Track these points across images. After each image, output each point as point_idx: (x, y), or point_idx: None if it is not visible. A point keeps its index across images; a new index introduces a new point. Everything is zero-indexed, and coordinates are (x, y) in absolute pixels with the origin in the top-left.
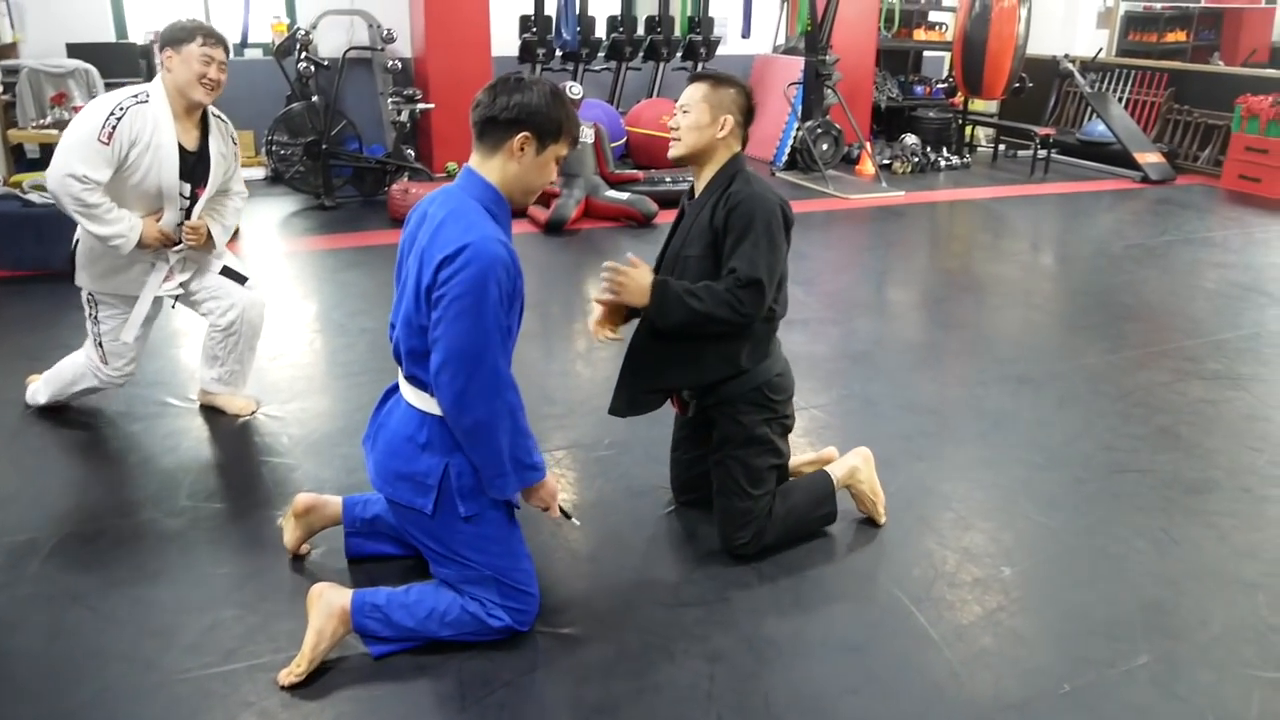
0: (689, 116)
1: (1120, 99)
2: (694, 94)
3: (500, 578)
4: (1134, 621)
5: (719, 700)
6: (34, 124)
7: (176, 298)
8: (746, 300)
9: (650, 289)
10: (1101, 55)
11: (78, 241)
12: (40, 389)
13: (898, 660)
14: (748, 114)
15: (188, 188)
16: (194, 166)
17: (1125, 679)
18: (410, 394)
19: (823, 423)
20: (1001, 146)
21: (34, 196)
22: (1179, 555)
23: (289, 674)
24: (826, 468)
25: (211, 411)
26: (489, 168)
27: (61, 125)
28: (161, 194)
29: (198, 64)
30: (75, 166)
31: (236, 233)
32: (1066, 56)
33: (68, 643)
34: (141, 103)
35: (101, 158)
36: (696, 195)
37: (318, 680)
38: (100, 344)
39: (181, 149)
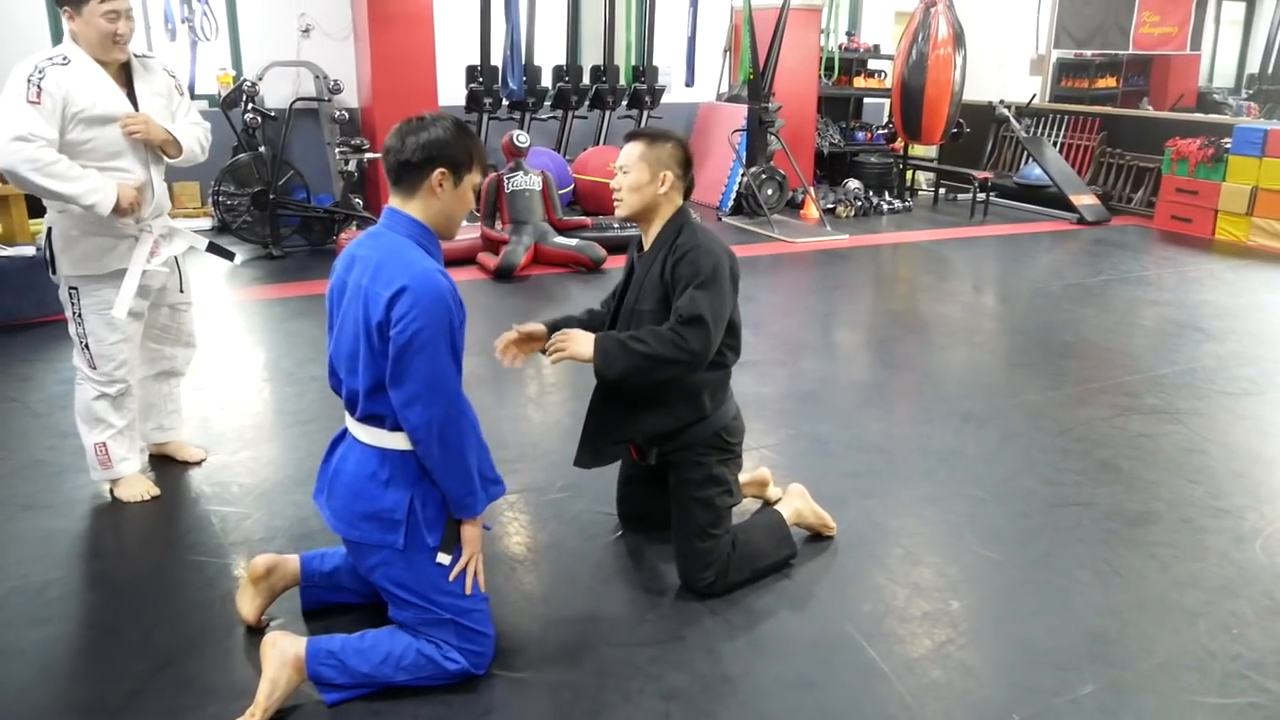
0: (629, 177)
1: (1055, 143)
2: (631, 154)
3: (458, 619)
4: (1079, 651)
5: None
6: None
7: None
8: (690, 337)
9: (593, 348)
10: (1035, 101)
11: (50, 229)
12: (86, 436)
13: (850, 695)
14: (686, 165)
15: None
16: (137, 112)
17: (1072, 708)
18: (365, 434)
19: (772, 462)
20: (942, 190)
21: None
22: (1121, 586)
23: None
24: (777, 508)
25: (160, 460)
26: (412, 207)
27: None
28: (124, 153)
29: (103, 21)
30: (16, 128)
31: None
32: (1002, 102)
33: (16, 698)
34: (60, 64)
35: (40, 116)
36: (645, 249)
37: None
38: (86, 346)
39: (124, 99)
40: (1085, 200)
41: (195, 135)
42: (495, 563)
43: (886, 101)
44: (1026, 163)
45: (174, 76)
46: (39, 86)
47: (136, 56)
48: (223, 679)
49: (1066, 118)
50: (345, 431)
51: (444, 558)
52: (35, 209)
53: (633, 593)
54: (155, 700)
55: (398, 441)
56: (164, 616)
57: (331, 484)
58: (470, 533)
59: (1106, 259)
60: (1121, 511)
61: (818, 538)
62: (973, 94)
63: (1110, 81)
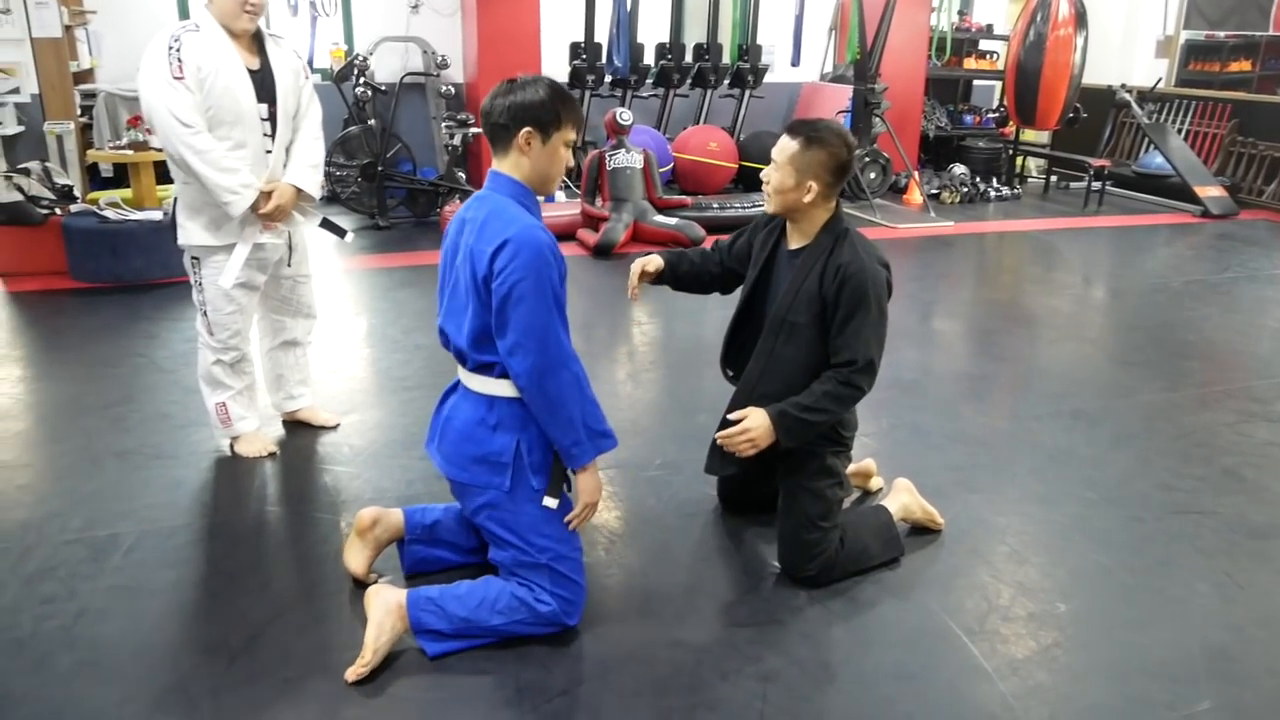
0: (775, 176)
1: (1180, 130)
2: (784, 151)
3: (553, 565)
4: (1196, 665)
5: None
6: (110, 145)
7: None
8: (865, 383)
9: (773, 424)
10: (1160, 85)
11: (175, 200)
12: (207, 396)
13: (951, 691)
14: (839, 173)
15: (264, 108)
16: (262, 84)
17: None
18: (475, 383)
19: (872, 451)
20: (1053, 178)
21: (110, 213)
22: (1244, 600)
23: (355, 670)
24: (884, 503)
25: (289, 423)
26: (507, 166)
27: (137, 146)
28: (241, 120)
29: None
30: (174, 108)
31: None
32: (1123, 86)
33: (149, 633)
34: (191, 31)
35: (189, 94)
36: (792, 247)
37: (379, 681)
38: (205, 313)
39: (247, 71)
40: (1210, 192)
41: (314, 143)
42: (594, 535)
43: (998, 84)
44: (1147, 150)
45: (300, 58)
46: (179, 59)
47: (269, 35)
48: (334, 628)
49: (1194, 103)
50: (457, 383)
51: (550, 501)
52: (163, 176)
53: (732, 573)
54: (272, 645)
55: (505, 389)
56: (281, 566)
57: (443, 430)
58: (586, 482)
59: (1233, 255)
60: (1246, 523)
61: (922, 531)
62: (1092, 77)
63: (1245, 65)
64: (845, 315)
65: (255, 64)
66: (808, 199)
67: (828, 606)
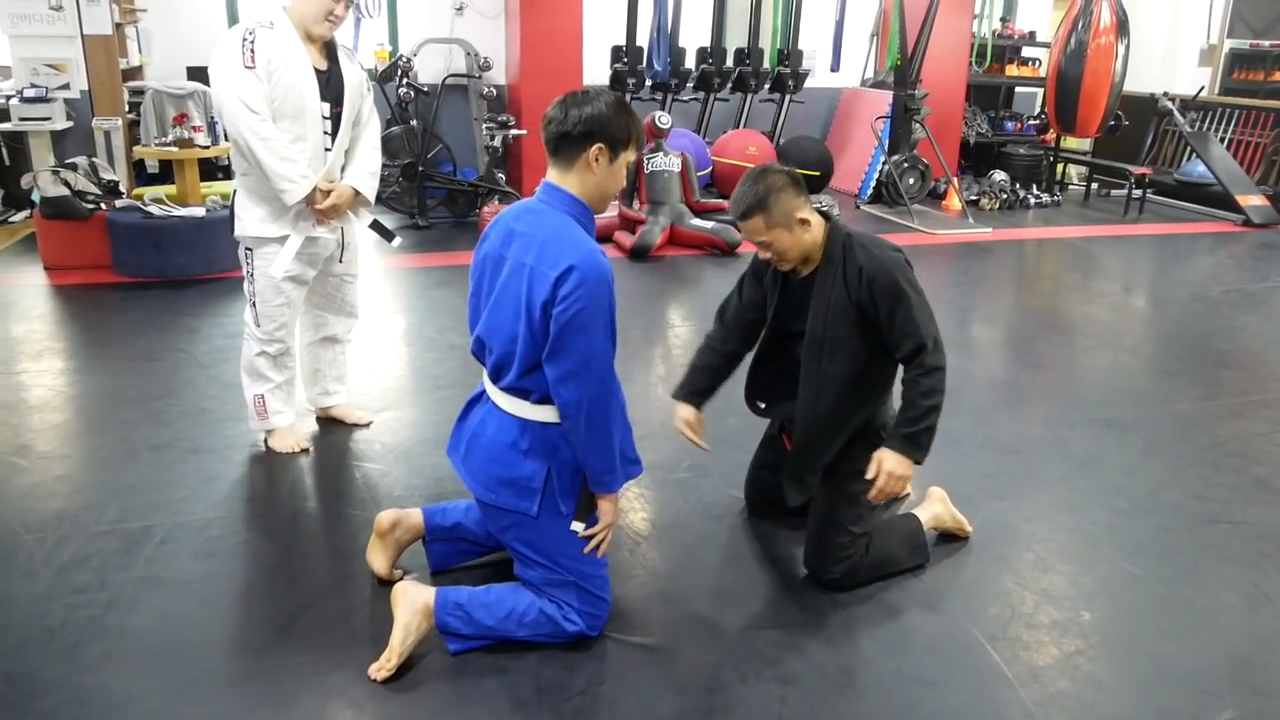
0: (774, 247)
1: (1222, 139)
2: (756, 229)
3: (581, 583)
4: (1221, 675)
5: None
6: (156, 141)
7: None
8: (940, 361)
9: (904, 455)
10: (1203, 94)
11: (235, 192)
12: (247, 387)
13: (971, 697)
14: (799, 187)
15: (327, 107)
16: (328, 84)
17: None
18: (508, 404)
19: None
20: (1094, 185)
21: (154, 209)
22: (1272, 611)
23: (379, 668)
24: (916, 511)
25: (322, 420)
26: (568, 180)
27: (183, 143)
28: (304, 114)
29: (327, 0)
30: (244, 95)
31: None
32: (1166, 95)
33: (178, 624)
34: (265, 28)
35: (258, 83)
36: (805, 274)
37: (403, 676)
38: (254, 304)
39: (314, 70)
40: (1253, 201)
41: (373, 152)
42: (620, 537)
43: (1040, 91)
44: (1189, 159)
45: (364, 69)
46: (252, 50)
47: (342, 45)
48: (362, 623)
49: (1237, 112)
50: (483, 394)
51: (578, 526)
52: (206, 173)
53: (756, 576)
54: (299, 638)
55: (540, 414)
56: (310, 561)
57: (470, 445)
58: (607, 506)
59: (1274, 264)
60: (1276, 533)
61: (949, 538)
62: (1134, 85)
63: None
64: (889, 311)
65: (323, 65)
66: (808, 233)
67: (850, 611)
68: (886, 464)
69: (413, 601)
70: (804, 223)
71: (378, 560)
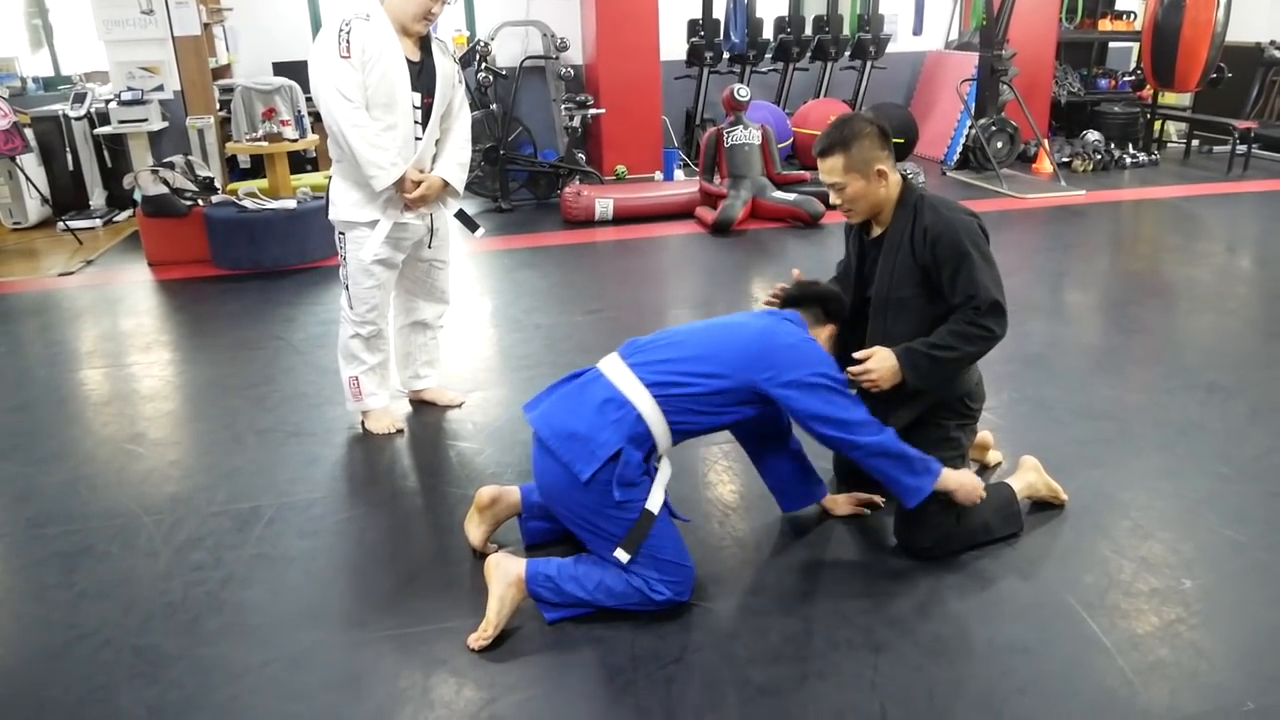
0: (846, 191)
1: None
2: (835, 168)
3: (656, 555)
4: None
5: (882, 690)
6: (247, 137)
7: (421, 243)
8: (994, 325)
9: (899, 363)
10: None
11: (330, 179)
12: (343, 369)
13: (1068, 665)
14: (886, 143)
15: (418, 98)
16: (420, 75)
17: None
18: (623, 379)
19: (994, 425)
20: (1195, 142)
21: (248, 203)
22: None
23: (478, 638)
24: (1009, 480)
25: (415, 402)
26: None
27: (272, 138)
28: (395, 104)
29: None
30: (340, 84)
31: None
32: (1273, 43)
33: (289, 598)
34: (362, 20)
35: (353, 72)
36: (875, 234)
37: (500, 645)
38: (347, 288)
39: (406, 60)
40: None
41: (463, 144)
42: (708, 509)
43: (1135, 45)
44: None
45: (457, 62)
46: (348, 40)
47: (436, 38)
48: (458, 596)
49: None
50: (585, 374)
51: (622, 554)
52: (297, 166)
53: (845, 546)
54: (401, 609)
55: (644, 404)
56: (410, 537)
57: (555, 403)
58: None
59: None
60: None
61: (1044, 506)
62: (1237, 34)
63: None
64: (952, 270)
65: (416, 57)
66: (884, 188)
67: (942, 579)
68: (875, 361)
69: (506, 574)
70: (881, 175)
71: (474, 533)
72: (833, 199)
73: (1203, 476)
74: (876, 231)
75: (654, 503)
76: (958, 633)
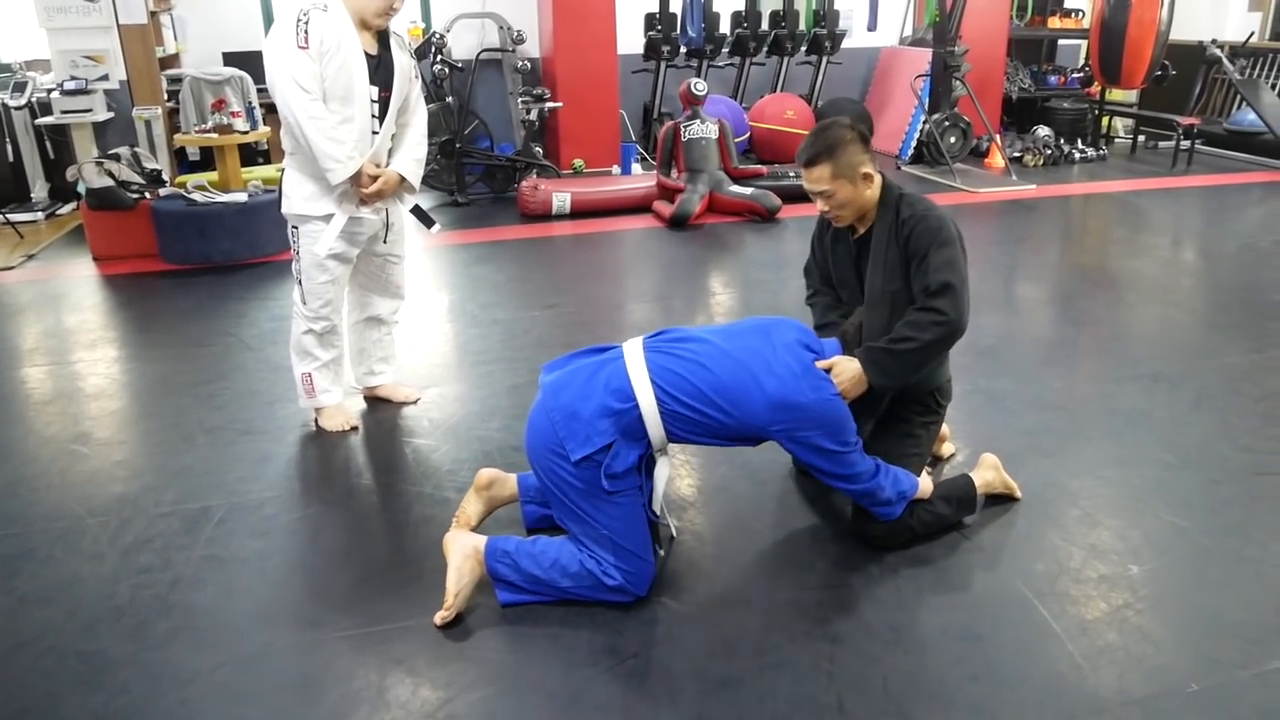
0: (835, 198)
1: (1274, 86)
2: (822, 177)
3: (616, 540)
4: (1270, 625)
5: (838, 680)
6: (196, 129)
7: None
8: (945, 307)
9: (861, 366)
10: (1254, 39)
11: (284, 171)
12: (295, 365)
13: (1019, 651)
14: (867, 144)
15: (375, 91)
16: (378, 69)
17: (1257, 682)
18: (638, 376)
19: (948, 418)
20: (1141, 138)
21: (197, 196)
22: None
23: (441, 615)
24: (971, 474)
25: (369, 399)
26: None
27: (222, 130)
28: (352, 97)
29: None
30: (296, 74)
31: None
32: (1214, 42)
33: (240, 600)
34: (320, 10)
35: (310, 63)
36: (860, 233)
37: (455, 643)
38: (300, 281)
39: (365, 54)
40: None
41: (419, 141)
42: (666, 503)
43: (1084, 43)
44: (1239, 108)
45: (414, 58)
46: (306, 31)
47: (394, 32)
48: (415, 595)
49: None
50: (608, 352)
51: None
52: (247, 158)
53: (802, 538)
54: (356, 610)
55: (647, 405)
56: (365, 535)
57: (575, 370)
58: None
59: None
60: None
61: (998, 498)
62: (1181, 33)
63: None
64: (921, 257)
65: (374, 51)
66: (870, 189)
67: (897, 570)
68: (837, 370)
69: (463, 547)
70: (867, 178)
71: (470, 508)
72: (820, 206)
73: (1149, 464)
74: (861, 230)
75: (656, 502)
76: (912, 622)
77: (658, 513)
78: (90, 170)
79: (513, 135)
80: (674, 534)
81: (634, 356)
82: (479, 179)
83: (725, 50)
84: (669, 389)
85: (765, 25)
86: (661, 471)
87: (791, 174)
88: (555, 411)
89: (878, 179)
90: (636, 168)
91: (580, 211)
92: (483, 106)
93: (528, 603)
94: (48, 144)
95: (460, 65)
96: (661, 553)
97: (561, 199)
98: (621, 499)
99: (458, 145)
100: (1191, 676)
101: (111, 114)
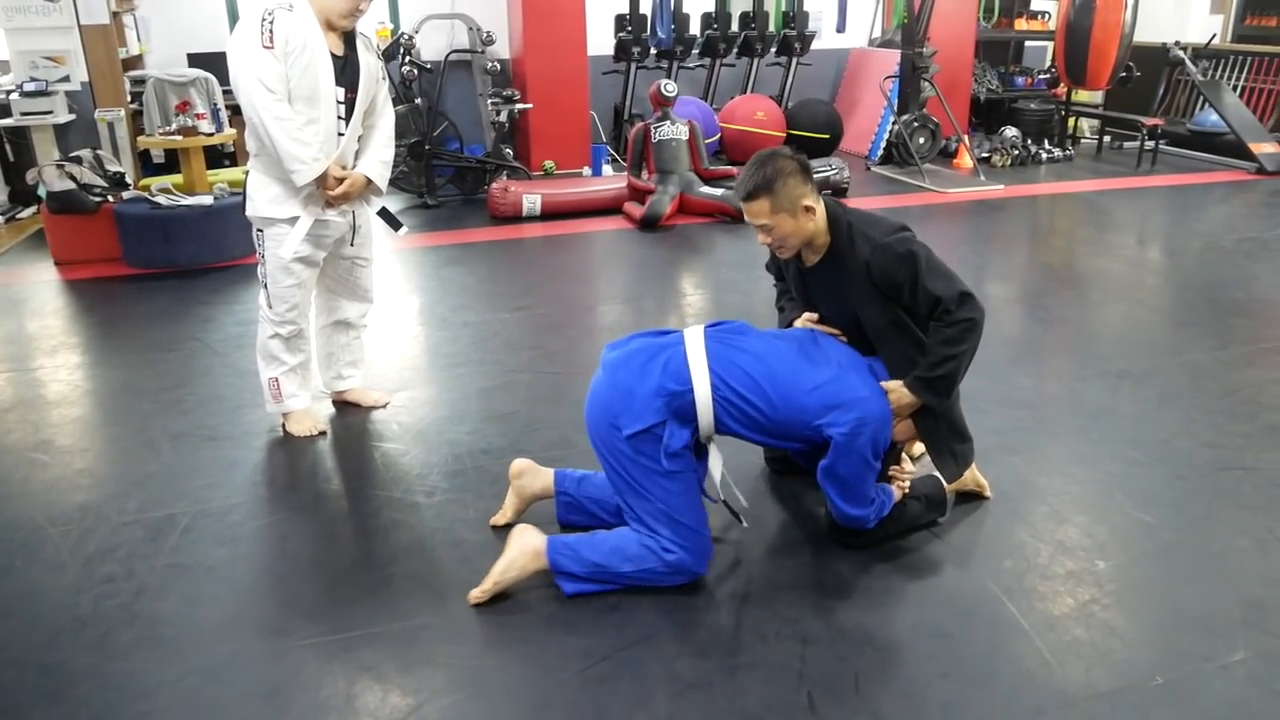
0: (775, 233)
1: (1235, 87)
2: (760, 211)
3: (674, 514)
4: (1232, 618)
5: (809, 679)
6: (160, 131)
7: (339, 243)
8: (968, 314)
9: (913, 394)
10: (1215, 41)
11: (249, 173)
12: (262, 370)
13: (988, 648)
14: (807, 176)
15: (341, 92)
16: (344, 70)
17: (1221, 674)
18: (697, 364)
19: None
20: (1106, 138)
21: (162, 199)
22: None
23: (475, 593)
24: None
25: (338, 404)
26: None
27: (186, 132)
28: (318, 98)
29: None
30: (261, 74)
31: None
32: (1177, 44)
33: (206, 609)
34: (285, 10)
35: (275, 63)
36: (810, 263)
37: (424, 651)
38: (266, 286)
39: (331, 55)
40: (1266, 148)
41: (387, 142)
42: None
43: (1050, 45)
44: (1202, 108)
45: (381, 59)
46: (271, 31)
47: (361, 33)
48: (383, 600)
49: (1250, 59)
50: (669, 335)
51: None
52: (213, 161)
53: (774, 537)
54: (324, 618)
55: (702, 392)
56: (333, 541)
57: (635, 350)
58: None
59: None
60: None
61: (967, 496)
62: (1144, 35)
63: None
64: (910, 284)
65: (340, 51)
66: (813, 221)
67: (868, 569)
68: (899, 403)
69: (525, 542)
70: (809, 210)
71: (508, 502)
72: (761, 239)
73: (1115, 461)
74: (810, 261)
75: (714, 489)
76: (882, 620)
77: (715, 498)
78: (51, 173)
79: (483, 137)
80: (744, 504)
81: (695, 344)
82: (449, 181)
83: (695, 51)
84: (725, 378)
85: (735, 26)
86: (715, 459)
87: None
88: (614, 387)
89: (821, 209)
90: (607, 169)
91: (551, 213)
92: (452, 108)
93: (591, 592)
94: (7, 146)
95: (429, 66)
96: (745, 524)
97: (532, 201)
98: (679, 476)
99: (427, 147)
100: (1157, 669)
101: (73, 116)
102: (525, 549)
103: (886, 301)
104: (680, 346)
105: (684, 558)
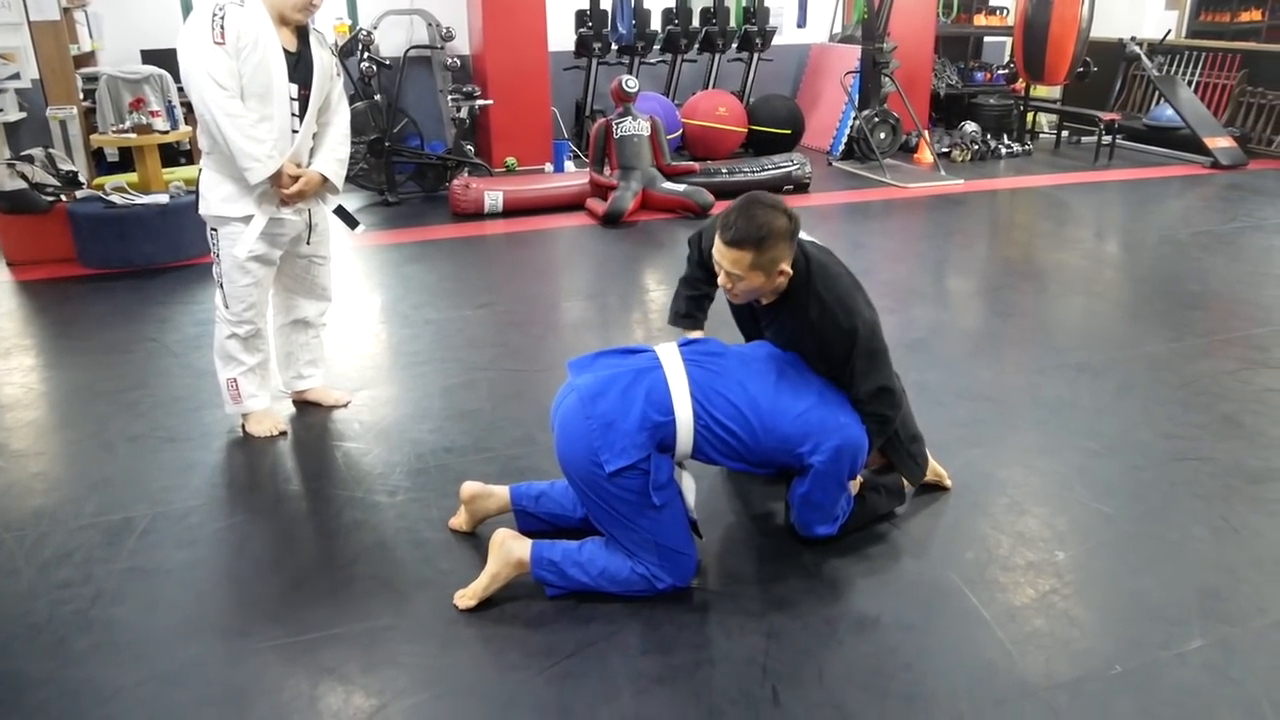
0: (743, 283)
1: (1190, 82)
2: (739, 261)
3: (660, 541)
4: (1189, 606)
5: (774, 673)
6: (113, 129)
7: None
8: (880, 409)
9: None
10: (1170, 37)
11: (201, 171)
12: (220, 371)
13: (950, 639)
14: (795, 237)
15: (295, 89)
16: (297, 66)
17: (1177, 662)
18: (678, 388)
19: None
20: (1064, 133)
21: (116, 198)
22: (1238, 543)
23: (462, 601)
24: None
25: (298, 403)
26: None
27: (141, 129)
28: (271, 95)
29: None
30: (212, 69)
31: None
32: (1133, 39)
33: (165, 613)
34: (236, 5)
35: (227, 58)
36: (766, 303)
37: (387, 649)
38: (221, 286)
39: (284, 51)
40: (1220, 143)
41: (342, 139)
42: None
43: (1008, 40)
44: (1157, 103)
45: (335, 55)
46: (222, 27)
47: (314, 29)
48: (346, 601)
49: (1204, 55)
50: (640, 356)
51: None
52: (168, 159)
53: (736, 533)
54: (286, 619)
55: (684, 418)
56: (294, 543)
57: (611, 376)
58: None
59: (1240, 205)
60: (1242, 468)
61: (927, 487)
62: (1101, 30)
63: (1255, 15)
64: (840, 356)
65: (293, 47)
66: (780, 281)
67: (831, 563)
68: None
69: (508, 554)
70: (782, 273)
71: (459, 520)
72: (721, 281)
73: (1074, 452)
74: (766, 301)
75: (689, 496)
76: (846, 613)
77: (692, 517)
78: (2, 172)
79: (443, 133)
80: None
81: (674, 368)
82: (409, 178)
83: (657, 47)
84: (708, 407)
85: (696, 22)
86: (688, 483)
87: (724, 170)
88: (592, 419)
89: (790, 272)
90: (569, 165)
91: (513, 210)
92: (412, 104)
93: (577, 591)
94: None
95: (388, 63)
96: (701, 537)
97: (494, 197)
98: (667, 507)
99: (387, 144)
100: (1116, 658)
101: (24, 114)
102: (509, 561)
103: (826, 349)
104: (659, 371)
105: (675, 582)
